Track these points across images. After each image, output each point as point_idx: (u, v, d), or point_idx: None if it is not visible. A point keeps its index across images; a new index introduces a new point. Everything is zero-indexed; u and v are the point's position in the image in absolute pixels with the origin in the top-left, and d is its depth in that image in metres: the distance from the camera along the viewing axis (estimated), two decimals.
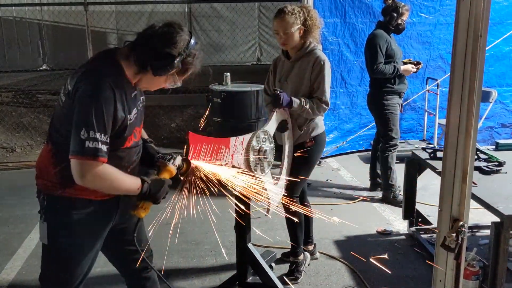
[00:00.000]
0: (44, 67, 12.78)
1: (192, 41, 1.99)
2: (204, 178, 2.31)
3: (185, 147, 2.34)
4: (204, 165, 2.34)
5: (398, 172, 4.73)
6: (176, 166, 2.20)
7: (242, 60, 12.64)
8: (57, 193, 2.02)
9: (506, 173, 3.39)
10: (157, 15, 11.39)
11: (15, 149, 6.93)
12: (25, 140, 7.15)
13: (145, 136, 2.37)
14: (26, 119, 7.65)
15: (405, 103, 5.83)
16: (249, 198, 3.14)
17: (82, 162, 1.86)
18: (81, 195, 2.02)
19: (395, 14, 4.60)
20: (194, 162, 2.31)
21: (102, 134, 1.86)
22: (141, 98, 2.16)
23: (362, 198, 4.91)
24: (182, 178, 2.27)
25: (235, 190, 2.50)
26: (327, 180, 5.48)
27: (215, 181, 2.35)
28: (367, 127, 6.26)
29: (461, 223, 1.98)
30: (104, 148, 1.88)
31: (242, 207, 2.71)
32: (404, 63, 4.76)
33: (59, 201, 2.03)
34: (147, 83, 2.07)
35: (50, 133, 2.07)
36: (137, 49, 1.96)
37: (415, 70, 4.77)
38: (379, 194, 4.98)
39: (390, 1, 4.68)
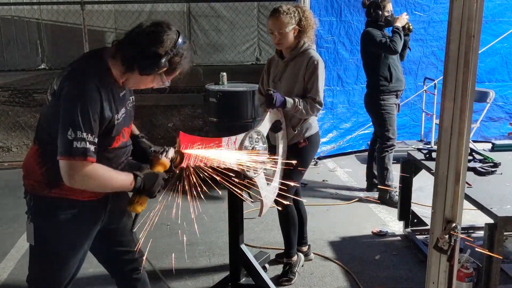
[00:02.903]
0: (42, 66, 12.75)
1: (180, 40, 1.97)
2: (200, 164, 2.28)
3: (177, 140, 2.31)
4: (198, 152, 2.30)
5: (394, 173, 4.71)
6: (169, 158, 2.18)
7: (239, 59, 12.61)
8: (43, 194, 2.00)
9: (501, 174, 3.37)
10: (155, 15, 11.37)
11: (11, 149, 6.91)
12: (21, 140, 7.13)
13: (136, 131, 2.35)
14: (23, 119, 7.63)
15: (402, 103, 5.81)
16: (242, 199, 3.13)
17: (70, 162, 1.85)
18: (68, 195, 2.00)
19: (379, 11, 4.61)
20: (188, 152, 2.28)
21: (89, 134, 1.85)
22: (130, 98, 2.14)
23: (358, 198, 4.90)
24: (176, 170, 2.25)
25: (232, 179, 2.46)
26: (323, 180, 5.46)
27: (211, 171, 2.32)
28: (366, 126, 6.24)
29: (454, 224, 1.96)
30: (92, 148, 1.86)
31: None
32: None
33: (46, 201, 2.01)
34: (135, 82, 2.05)
35: (37, 133, 2.05)
36: (124, 48, 1.95)
37: (404, 16, 4.70)
38: (375, 194, 4.96)
39: (366, 1, 4.69)
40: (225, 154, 2.46)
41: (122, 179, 2.01)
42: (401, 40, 4.54)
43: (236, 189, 2.51)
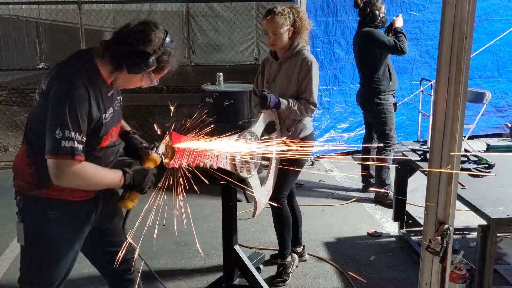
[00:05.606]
0: (41, 66, 12.74)
1: (168, 39, 1.98)
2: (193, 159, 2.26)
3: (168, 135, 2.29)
4: (190, 145, 2.28)
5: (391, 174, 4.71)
6: (159, 154, 2.17)
7: (238, 60, 12.61)
8: (33, 194, 2.00)
9: (495, 175, 3.36)
10: (154, 14, 11.37)
11: (8, 148, 6.89)
12: (18, 139, 7.11)
13: (128, 128, 2.35)
14: (20, 118, 7.62)
15: (399, 103, 5.81)
16: (237, 199, 3.13)
17: (58, 161, 1.84)
18: (58, 195, 1.99)
19: (377, 12, 4.61)
20: (180, 146, 2.26)
21: (77, 133, 1.85)
22: (118, 98, 2.15)
23: (354, 199, 4.89)
24: (168, 165, 2.23)
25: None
26: (319, 181, 5.45)
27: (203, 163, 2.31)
28: (363, 126, 6.23)
29: (446, 226, 1.96)
30: (80, 147, 1.86)
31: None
32: None
33: (36, 202, 2.01)
34: (123, 81, 2.05)
35: (25, 134, 2.05)
36: (112, 47, 1.95)
37: (401, 17, 4.76)
38: (371, 195, 4.95)
39: (360, 2, 4.68)
40: (219, 145, 2.45)
41: (111, 177, 2.02)
42: (407, 40, 4.56)
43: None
